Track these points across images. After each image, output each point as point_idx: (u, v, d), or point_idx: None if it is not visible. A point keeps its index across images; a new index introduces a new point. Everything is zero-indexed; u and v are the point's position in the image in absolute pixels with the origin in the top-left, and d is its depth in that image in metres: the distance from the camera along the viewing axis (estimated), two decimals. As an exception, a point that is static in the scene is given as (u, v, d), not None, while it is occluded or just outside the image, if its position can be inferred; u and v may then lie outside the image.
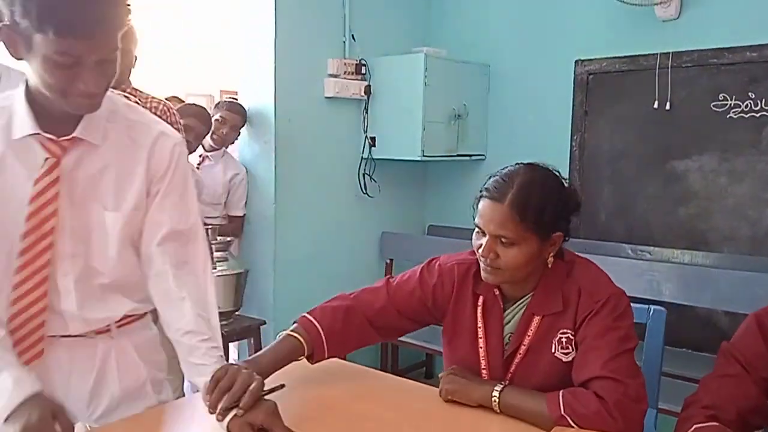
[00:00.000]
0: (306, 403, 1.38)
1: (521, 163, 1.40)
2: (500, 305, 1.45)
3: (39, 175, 1.17)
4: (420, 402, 1.42)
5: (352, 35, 3.43)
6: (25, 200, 1.17)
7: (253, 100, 3.29)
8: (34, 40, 1.03)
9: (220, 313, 3.05)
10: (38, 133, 1.16)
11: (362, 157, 3.57)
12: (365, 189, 3.60)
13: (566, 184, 1.42)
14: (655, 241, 3.21)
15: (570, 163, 3.44)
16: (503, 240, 1.33)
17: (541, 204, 1.33)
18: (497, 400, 1.33)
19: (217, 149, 3.26)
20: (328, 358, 1.50)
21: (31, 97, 1.16)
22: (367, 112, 3.54)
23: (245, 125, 3.30)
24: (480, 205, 1.37)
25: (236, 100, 3.40)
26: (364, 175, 3.58)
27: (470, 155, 3.69)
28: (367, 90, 3.48)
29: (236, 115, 3.22)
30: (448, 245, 3.37)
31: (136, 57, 2.45)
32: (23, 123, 1.16)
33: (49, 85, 1.09)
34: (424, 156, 3.38)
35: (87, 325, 1.26)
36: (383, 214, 3.77)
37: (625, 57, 3.23)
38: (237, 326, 3.00)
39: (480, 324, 1.46)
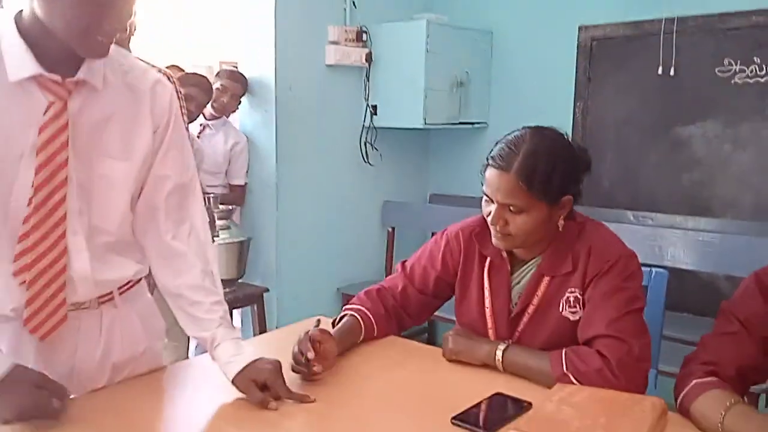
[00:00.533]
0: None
1: (528, 128, 1.39)
2: (507, 266, 1.45)
3: (45, 121, 1.07)
4: (424, 362, 1.44)
5: (353, 2, 3.39)
6: (23, 150, 1.07)
7: (253, 68, 3.26)
8: None
9: (223, 281, 3.09)
10: (40, 75, 1.06)
11: (364, 126, 3.55)
12: (367, 157, 3.59)
13: (574, 145, 1.41)
14: (659, 207, 3.21)
15: (573, 130, 3.42)
16: (512, 208, 1.33)
17: (548, 171, 1.32)
18: (501, 358, 1.35)
19: (218, 118, 3.25)
20: (377, 338, 1.54)
21: (29, 36, 1.05)
22: (368, 80, 3.51)
23: (246, 94, 3.28)
24: (487, 174, 1.36)
25: (236, 69, 3.37)
26: (365, 143, 3.57)
27: (473, 123, 3.67)
28: (369, 57, 3.45)
29: (237, 83, 3.20)
30: (451, 214, 3.35)
31: (135, 26, 2.43)
32: (22, 63, 1.05)
33: (70, 23, 1.01)
34: (426, 124, 3.36)
35: (96, 288, 1.20)
36: (385, 183, 3.77)
37: (629, 22, 3.20)
38: (240, 294, 3.02)
39: (486, 284, 1.47)
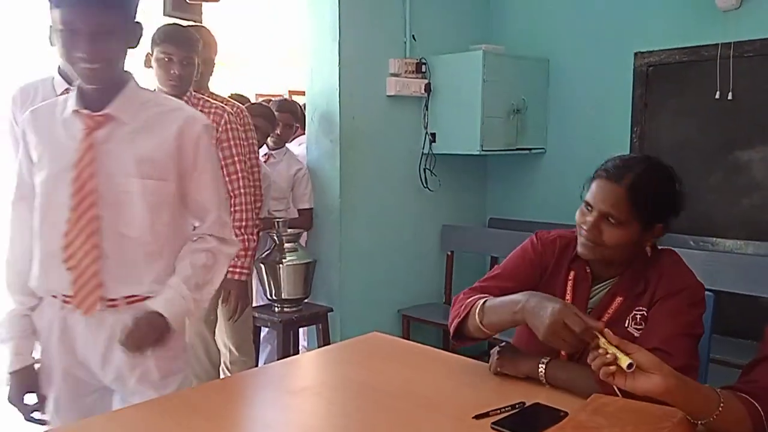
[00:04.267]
0: (374, 375, 1.52)
1: (643, 155, 1.51)
2: (589, 282, 1.55)
3: (78, 145, 1.41)
4: (470, 375, 1.55)
5: (413, 35, 3.57)
6: (66, 166, 1.40)
7: (319, 99, 3.48)
8: (53, 18, 1.31)
9: (290, 300, 3.29)
10: (78, 110, 1.41)
11: (423, 153, 3.70)
12: (426, 183, 3.73)
13: (680, 184, 1.50)
14: (718, 232, 3.19)
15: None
16: (611, 219, 1.43)
17: (655, 194, 1.43)
18: (544, 371, 1.44)
19: (280, 148, 3.45)
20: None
21: (70, 82, 1.44)
22: (427, 109, 3.67)
23: (313, 122, 3.48)
24: (594, 184, 1.47)
25: (286, 98, 3.53)
26: (424, 169, 3.72)
27: (530, 149, 3.76)
28: (427, 87, 3.61)
29: (286, 113, 3.40)
30: (509, 237, 3.45)
31: (215, 64, 2.69)
32: (71, 102, 1.43)
33: (62, 53, 1.34)
34: (482, 150, 3.48)
35: (119, 285, 1.45)
36: (444, 208, 3.89)
37: (685, 48, 3.23)
38: (306, 312, 3.20)
39: (569, 296, 1.56)
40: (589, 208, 1.46)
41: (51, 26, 1.35)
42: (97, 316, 1.46)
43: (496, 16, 3.98)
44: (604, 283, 1.54)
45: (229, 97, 2.86)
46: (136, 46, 1.47)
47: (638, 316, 1.47)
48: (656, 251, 1.52)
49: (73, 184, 1.40)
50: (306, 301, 3.27)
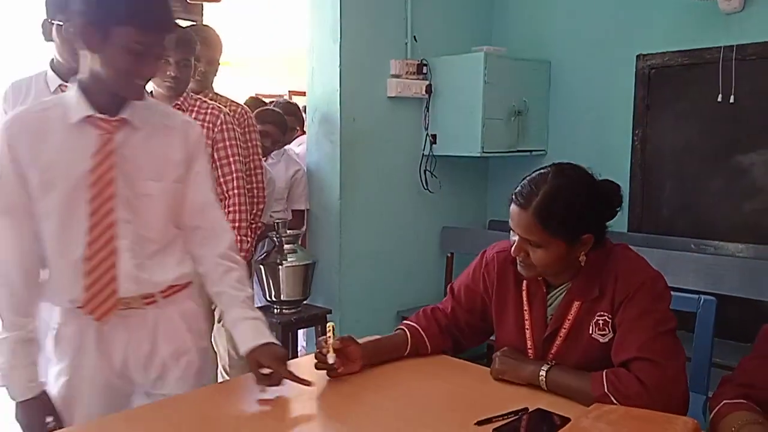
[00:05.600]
0: (374, 378, 1.51)
1: (553, 165, 1.47)
2: (543, 288, 1.54)
3: (97, 149, 1.38)
4: (471, 379, 1.54)
5: (414, 36, 3.56)
6: (83, 172, 1.37)
7: (320, 100, 3.46)
8: (114, 32, 1.29)
9: (289, 302, 3.27)
10: (92, 115, 1.38)
11: (423, 154, 3.68)
12: (426, 185, 3.72)
13: (599, 181, 1.47)
14: (720, 235, 3.18)
15: (632, 158, 3.45)
16: (531, 242, 1.43)
17: (565, 212, 1.40)
18: (544, 378, 1.43)
19: (278, 149, 3.44)
20: (431, 354, 1.64)
21: (84, 87, 1.39)
22: (428, 111, 3.65)
23: (314, 123, 3.47)
24: (510, 209, 1.46)
25: (288, 101, 3.54)
26: (425, 171, 3.70)
27: (531, 151, 3.74)
28: (428, 89, 3.60)
29: (289, 116, 3.43)
30: (509, 239, 3.43)
31: (219, 64, 2.68)
32: (79, 108, 1.38)
33: (118, 69, 1.34)
34: (483, 152, 3.47)
35: (138, 287, 1.45)
36: (444, 209, 3.88)
37: (687, 51, 3.22)
38: (305, 314, 3.18)
39: (525, 307, 1.56)
40: (512, 231, 1.46)
41: (112, 41, 1.31)
42: (138, 315, 1.47)
43: (498, 18, 3.97)
44: (559, 289, 1.52)
45: (246, 101, 2.85)
46: None
47: (600, 322, 1.45)
48: (606, 251, 1.49)
49: (91, 190, 1.38)
50: (305, 302, 3.25)
